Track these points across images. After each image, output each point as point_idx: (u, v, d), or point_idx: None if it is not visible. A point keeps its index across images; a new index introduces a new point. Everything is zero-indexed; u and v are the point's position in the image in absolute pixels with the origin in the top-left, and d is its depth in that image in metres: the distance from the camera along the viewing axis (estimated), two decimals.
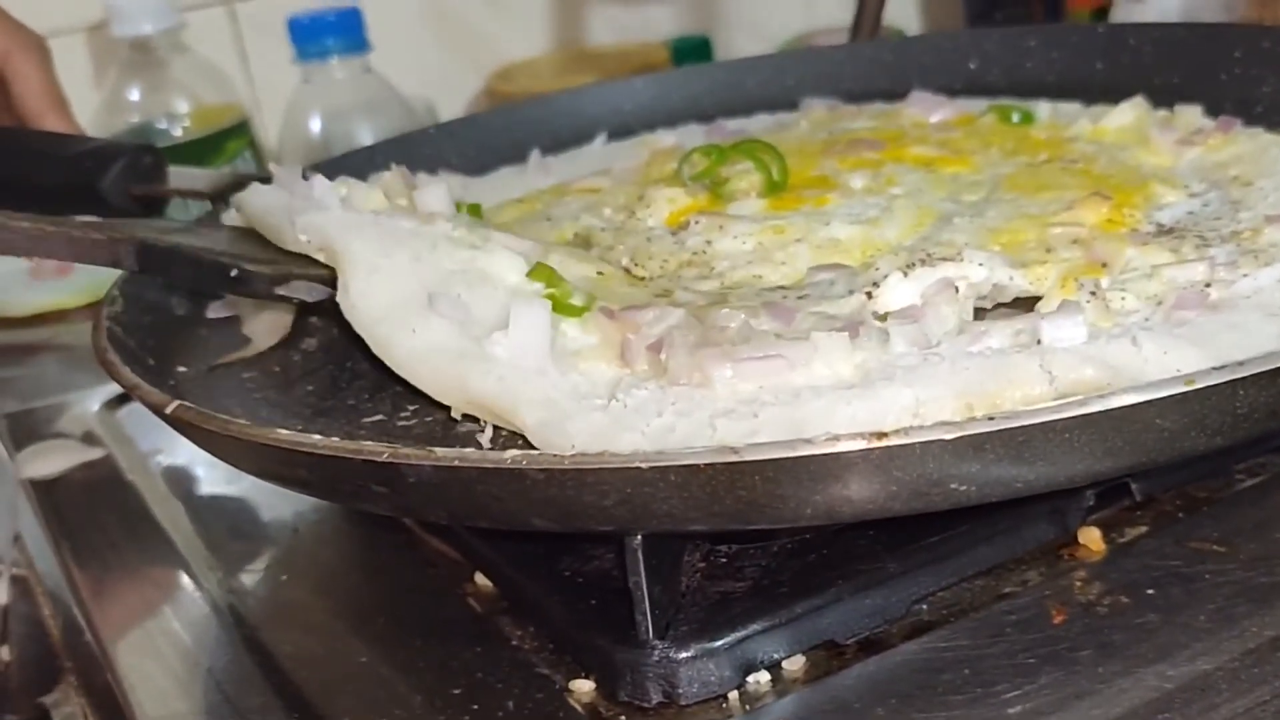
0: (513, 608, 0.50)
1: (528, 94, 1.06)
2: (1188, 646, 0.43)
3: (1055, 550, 0.49)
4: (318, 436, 0.41)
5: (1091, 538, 0.49)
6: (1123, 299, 0.50)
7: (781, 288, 0.56)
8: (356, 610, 0.53)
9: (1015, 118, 0.73)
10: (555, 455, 0.38)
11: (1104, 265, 0.53)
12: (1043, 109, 0.74)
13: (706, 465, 0.37)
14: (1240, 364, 0.37)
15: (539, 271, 0.54)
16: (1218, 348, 0.44)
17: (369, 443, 0.40)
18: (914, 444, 0.36)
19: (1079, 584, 0.47)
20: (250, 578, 0.56)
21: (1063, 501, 0.49)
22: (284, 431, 0.42)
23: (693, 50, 1.28)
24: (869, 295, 0.52)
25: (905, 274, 0.52)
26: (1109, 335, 0.46)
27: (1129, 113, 0.70)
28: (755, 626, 0.44)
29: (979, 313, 0.52)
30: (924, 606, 0.46)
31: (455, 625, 0.50)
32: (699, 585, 0.46)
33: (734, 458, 0.37)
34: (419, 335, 0.51)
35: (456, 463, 0.39)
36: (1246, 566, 0.46)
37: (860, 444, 0.36)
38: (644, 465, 0.37)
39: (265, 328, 0.62)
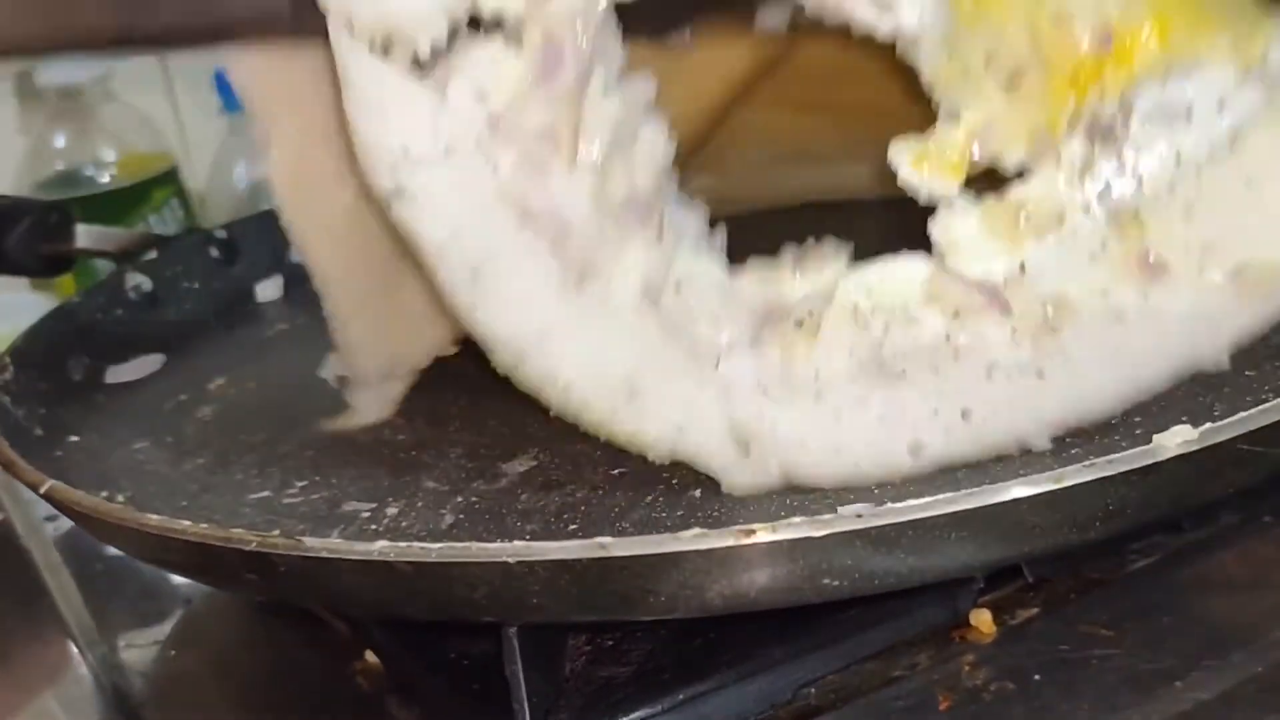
0: (399, 688, 0.49)
1: None
2: None
3: (947, 632, 0.48)
4: (187, 523, 0.40)
5: (982, 620, 0.49)
6: None
7: None
8: (245, 687, 0.52)
9: None
10: (423, 548, 0.37)
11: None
12: None
13: (574, 560, 0.36)
14: (1109, 461, 0.37)
15: None
16: None
17: (239, 530, 0.40)
18: (782, 541, 0.36)
19: (967, 668, 0.46)
20: (138, 653, 0.55)
21: (953, 584, 0.48)
22: (154, 517, 0.41)
23: None
24: None
25: None
26: None
27: None
28: (638, 714, 0.44)
29: None
30: (811, 690, 0.46)
31: (343, 704, 0.49)
32: (583, 670, 0.46)
33: (603, 553, 0.36)
34: None
35: (325, 554, 0.38)
36: (1131, 652, 0.46)
37: (730, 540, 0.36)
38: (511, 560, 0.36)
39: (373, 398, 0.58)
